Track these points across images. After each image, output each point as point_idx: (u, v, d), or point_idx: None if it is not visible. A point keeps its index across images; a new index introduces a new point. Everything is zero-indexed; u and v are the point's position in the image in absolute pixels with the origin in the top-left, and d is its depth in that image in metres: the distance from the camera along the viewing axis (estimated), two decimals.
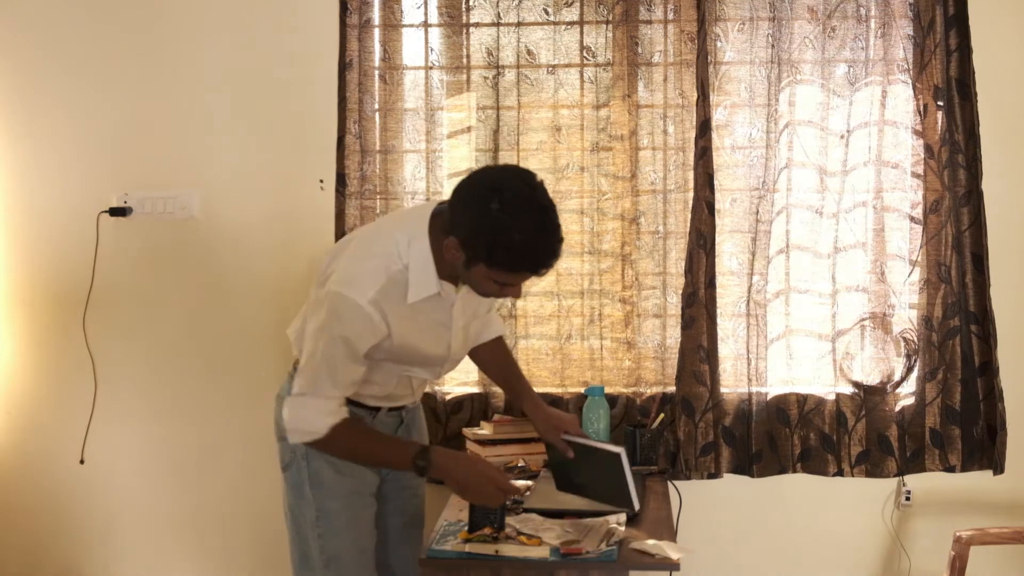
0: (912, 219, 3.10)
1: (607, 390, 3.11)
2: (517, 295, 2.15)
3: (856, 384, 3.13)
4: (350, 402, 2.28)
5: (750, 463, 3.12)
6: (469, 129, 3.19)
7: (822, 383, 3.16)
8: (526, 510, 2.41)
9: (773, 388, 3.16)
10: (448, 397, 3.19)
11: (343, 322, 2.12)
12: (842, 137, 3.10)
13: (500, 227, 1.98)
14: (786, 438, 3.14)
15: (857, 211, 3.12)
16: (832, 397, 3.13)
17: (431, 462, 2.19)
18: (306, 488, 2.32)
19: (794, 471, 3.15)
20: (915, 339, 3.10)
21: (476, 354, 2.60)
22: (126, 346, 3.31)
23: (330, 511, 2.32)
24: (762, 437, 3.12)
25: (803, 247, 3.14)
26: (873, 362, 3.14)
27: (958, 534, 2.79)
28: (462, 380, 3.23)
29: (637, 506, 2.37)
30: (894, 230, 3.11)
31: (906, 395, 3.14)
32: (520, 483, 2.63)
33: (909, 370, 3.12)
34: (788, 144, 3.11)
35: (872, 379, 3.13)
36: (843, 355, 3.14)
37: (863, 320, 3.13)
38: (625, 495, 2.35)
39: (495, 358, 2.63)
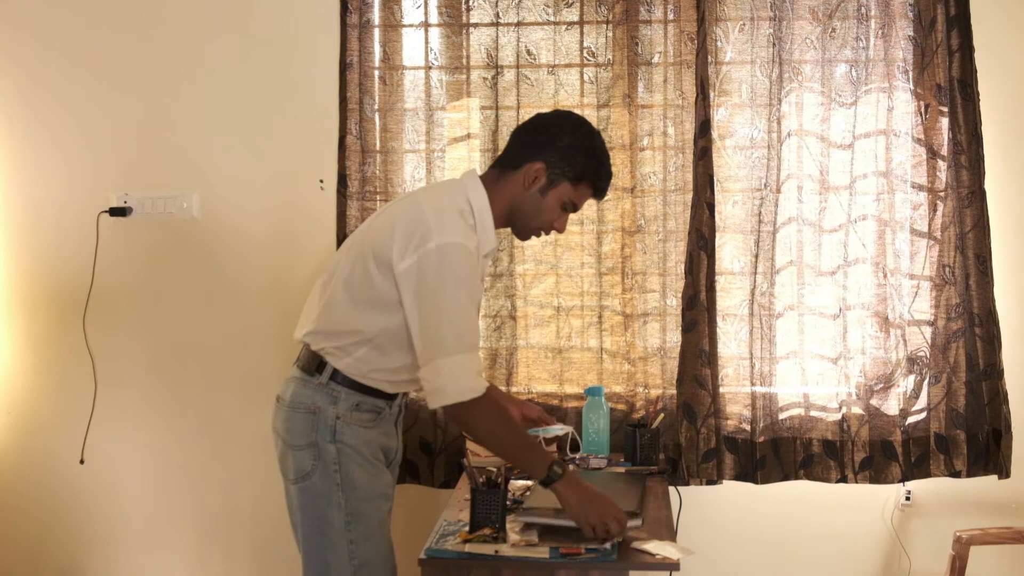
0: (915, 221, 3.09)
1: (606, 392, 3.10)
2: (562, 228, 2.40)
3: (860, 388, 3.12)
4: (364, 390, 2.29)
5: (754, 470, 3.09)
6: (469, 136, 3.19)
7: (825, 388, 3.14)
8: (526, 510, 2.40)
9: (776, 392, 3.14)
10: None
11: (464, 270, 2.18)
12: (847, 147, 3.08)
13: (595, 147, 2.34)
14: (788, 444, 3.13)
15: (860, 215, 3.11)
16: (835, 403, 3.11)
17: (566, 472, 2.21)
18: (336, 494, 2.29)
19: (797, 478, 3.13)
20: (927, 355, 3.08)
21: None
22: (126, 346, 3.31)
23: (363, 514, 2.31)
24: (766, 444, 3.11)
25: (806, 252, 3.12)
26: (877, 367, 3.13)
27: (958, 534, 2.79)
28: None
29: None
30: (897, 233, 3.09)
31: (910, 399, 3.12)
32: (519, 483, 2.63)
33: (920, 383, 3.09)
34: (792, 148, 3.10)
35: (876, 384, 3.12)
36: (847, 360, 3.12)
37: (867, 325, 3.12)
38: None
39: None
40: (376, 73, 3.18)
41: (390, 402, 2.38)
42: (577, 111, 3.12)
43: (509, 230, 2.45)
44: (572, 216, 3.13)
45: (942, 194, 3.05)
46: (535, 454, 2.25)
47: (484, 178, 2.35)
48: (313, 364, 2.33)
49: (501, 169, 2.35)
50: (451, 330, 2.16)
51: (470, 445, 2.94)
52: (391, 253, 2.20)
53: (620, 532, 2.20)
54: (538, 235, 2.41)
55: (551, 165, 2.30)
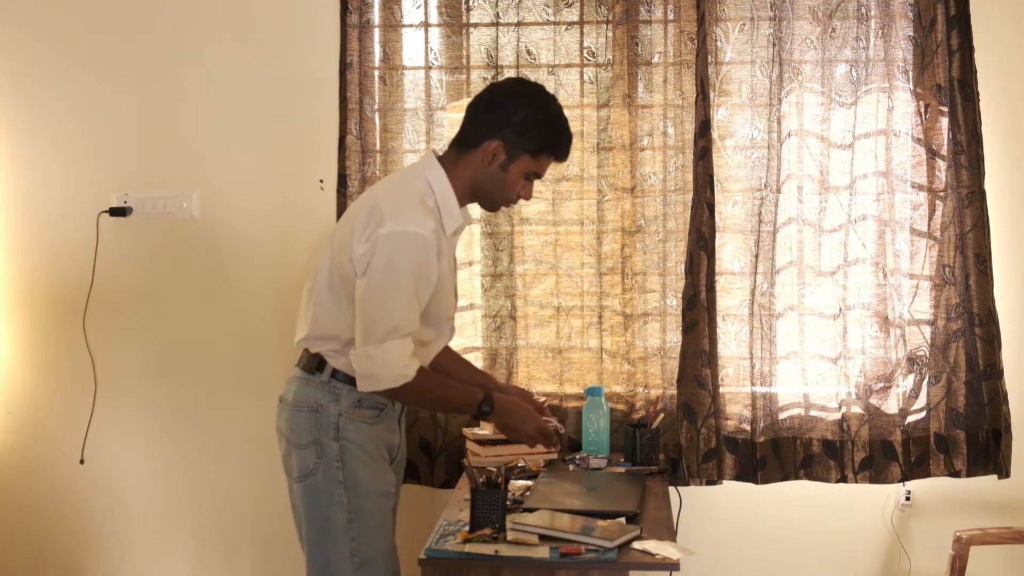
0: (915, 221, 3.09)
1: (607, 392, 3.10)
2: (529, 196, 2.41)
3: (860, 388, 3.11)
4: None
5: (754, 470, 3.09)
6: None
7: (825, 388, 3.13)
8: (526, 510, 2.40)
9: (776, 392, 3.13)
10: None
11: (412, 258, 2.20)
12: (847, 147, 3.08)
13: (550, 116, 2.34)
14: (788, 444, 3.13)
15: (860, 215, 3.11)
16: (835, 403, 3.11)
17: (494, 409, 2.40)
18: (339, 491, 2.31)
19: (797, 478, 3.13)
20: (927, 354, 3.08)
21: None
22: (126, 346, 3.31)
23: (365, 512, 2.32)
24: (766, 444, 3.10)
25: (806, 253, 3.12)
26: (877, 367, 3.12)
27: (958, 534, 2.79)
28: None
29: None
30: (897, 233, 3.09)
31: (910, 399, 3.11)
32: (519, 483, 2.63)
33: (919, 383, 3.08)
34: (792, 148, 3.09)
35: (876, 384, 3.12)
36: (847, 360, 3.11)
37: (867, 324, 3.11)
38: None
39: (452, 360, 2.68)
40: (376, 73, 3.18)
41: (392, 399, 2.38)
42: (577, 111, 3.15)
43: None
44: (572, 216, 3.17)
45: (942, 194, 3.05)
46: (466, 403, 2.41)
47: (444, 158, 2.37)
48: (314, 363, 2.36)
49: (460, 148, 2.36)
50: (388, 320, 2.20)
51: (470, 445, 2.94)
52: (353, 244, 2.24)
53: (546, 438, 2.50)
54: (507, 206, 2.45)
55: (508, 141, 2.31)
